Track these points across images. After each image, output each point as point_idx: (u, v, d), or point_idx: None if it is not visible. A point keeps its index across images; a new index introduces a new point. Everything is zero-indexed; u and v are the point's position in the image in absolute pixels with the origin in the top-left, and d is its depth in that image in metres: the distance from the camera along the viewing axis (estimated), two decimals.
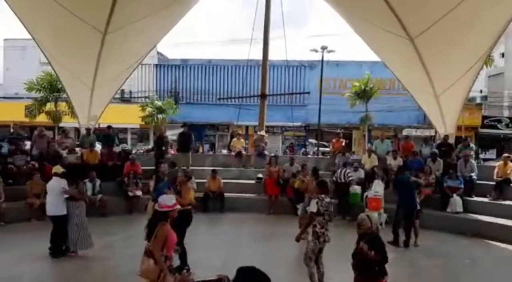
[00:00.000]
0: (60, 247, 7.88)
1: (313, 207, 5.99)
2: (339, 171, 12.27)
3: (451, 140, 13.52)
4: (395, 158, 12.59)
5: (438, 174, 12.00)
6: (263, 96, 17.62)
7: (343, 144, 14.91)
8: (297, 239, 6.24)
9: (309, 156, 19.75)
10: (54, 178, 8.14)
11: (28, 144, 13.77)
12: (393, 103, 25.15)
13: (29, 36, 11.35)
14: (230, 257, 7.94)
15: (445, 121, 13.45)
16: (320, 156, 18.75)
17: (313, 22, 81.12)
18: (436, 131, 15.57)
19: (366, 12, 10.42)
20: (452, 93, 11.89)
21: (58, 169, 8.44)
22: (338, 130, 18.49)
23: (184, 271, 2.44)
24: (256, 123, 19.29)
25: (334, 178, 12.11)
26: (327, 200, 6.17)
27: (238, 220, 11.68)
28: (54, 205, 7.88)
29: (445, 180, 11.63)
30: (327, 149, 19.92)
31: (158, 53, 27.23)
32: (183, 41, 61.30)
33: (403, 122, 26.55)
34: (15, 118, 21.78)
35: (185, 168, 12.81)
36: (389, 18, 9.34)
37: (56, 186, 7.93)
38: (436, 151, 12.78)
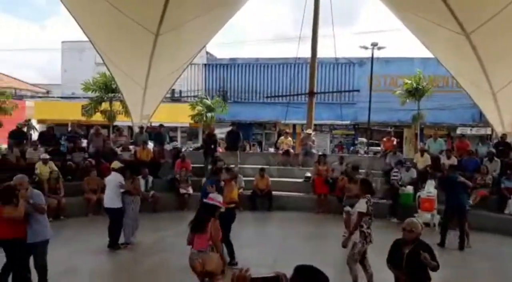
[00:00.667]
0: (116, 240, 8.24)
1: (363, 207, 5.86)
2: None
3: (509, 139, 12.89)
4: (449, 157, 12.15)
5: (495, 175, 11.47)
6: (311, 94, 17.48)
7: (394, 142, 14.56)
8: (344, 245, 6.09)
9: (359, 155, 19.42)
10: (112, 172, 8.54)
11: (84, 142, 14.45)
12: (447, 101, 24.20)
13: (85, 38, 11.87)
14: (279, 255, 7.97)
15: (503, 120, 12.85)
16: (371, 155, 18.36)
17: (362, 18, 79.52)
18: (493, 130, 14.90)
19: (418, 7, 10.10)
20: (511, 90, 11.32)
21: (116, 164, 8.82)
22: (389, 129, 18.04)
23: (241, 267, 2.50)
24: (304, 121, 19.17)
25: (392, 178, 11.86)
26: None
27: (286, 219, 11.67)
28: (110, 198, 8.31)
29: (503, 180, 11.12)
30: (378, 148, 19.49)
31: (207, 53, 27.64)
32: (231, 41, 61.86)
33: (457, 120, 25.49)
34: (73, 117, 22.86)
35: (233, 166, 12.98)
36: (443, 12, 9.01)
37: (113, 180, 8.34)
38: (493, 150, 12.23)
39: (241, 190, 12.40)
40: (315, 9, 16.53)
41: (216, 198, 5.24)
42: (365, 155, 18.77)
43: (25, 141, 13.11)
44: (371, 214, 5.92)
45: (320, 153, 14.75)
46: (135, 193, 8.47)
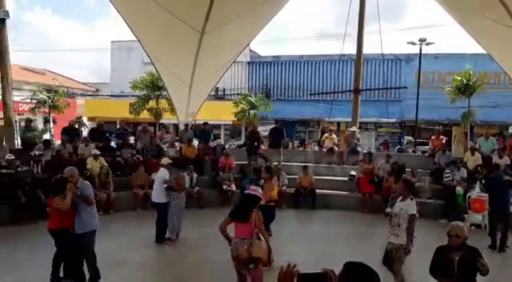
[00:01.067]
0: (163, 235, 8.45)
1: (413, 209, 5.66)
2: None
3: None
4: (501, 157, 11.61)
5: None
6: (356, 91, 17.18)
7: (443, 141, 14.08)
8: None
9: (406, 153, 18.89)
10: (161, 168, 8.77)
11: (132, 139, 14.89)
12: (499, 99, 23.09)
13: (133, 38, 12.20)
14: (322, 254, 7.90)
15: None
16: (419, 154, 17.82)
17: (409, 14, 77.32)
18: None
19: (469, 1, 9.68)
20: None
21: (165, 160, 9.06)
22: (437, 127, 17.44)
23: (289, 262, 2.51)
24: (348, 119, 18.88)
25: (446, 178, 11.48)
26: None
27: (330, 217, 11.55)
28: (157, 193, 8.60)
29: None
30: (426, 147, 18.89)
31: (250, 50, 27.71)
32: (275, 38, 61.79)
33: (509, 118, 24.26)
34: (121, 115, 23.56)
35: (276, 163, 12.99)
36: (495, 6, 8.58)
37: (160, 176, 8.61)
38: None
39: (284, 188, 12.41)
40: (361, 4, 16.22)
41: (257, 190, 5.36)
42: (412, 154, 18.23)
43: (77, 137, 13.64)
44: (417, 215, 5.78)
45: (365, 151, 14.47)
46: (177, 189, 8.62)
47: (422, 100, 22.33)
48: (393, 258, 5.71)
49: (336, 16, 78.07)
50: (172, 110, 16.73)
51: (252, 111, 20.67)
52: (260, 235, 5.35)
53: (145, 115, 20.83)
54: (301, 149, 21.06)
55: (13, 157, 10.85)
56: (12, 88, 14.34)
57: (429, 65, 24.55)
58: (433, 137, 14.66)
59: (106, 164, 11.70)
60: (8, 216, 9.82)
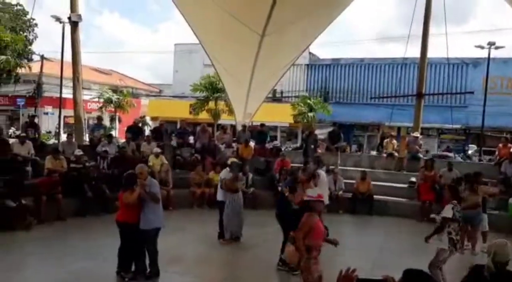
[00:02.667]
0: (223, 232, 8.60)
1: (448, 212, 5.71)
2: None
3: None
4: None
5: None
6: (420, 95, 16.58)
7: (511, 150, 13.25)
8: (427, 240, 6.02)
9: (470, 162, 17.98)
10: (226, 168, 8.95)
11: (191, 138, 15.30)
12: None
13: (195, 41, 12.55)
14: (378, 261, 7.71)
15: None
16: (485, 162, 16.90)
17: (476, 16, 73.62)
18: None
19: None
20: None
21: (232, 160, 9.24)
22: (504, 135, 16.49)
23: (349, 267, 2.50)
24: (409, 124, 18.26)
25: None
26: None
27: (387, 224, 11.24)
28: (219, 191, 8.81)
29: None
30: (490, 156, 17.87)
31: (309, 53, 27.60)
32: (335, 40, 61.04)
33: None
34: (181, 115, 24.32)
35: (333, 167, 12.84)
36: None
37: (221, 176, 8.87)
38: None
39: (341, 192, 12.26)
40: (426, 6, 15.64)
41: (312, 194, 5.27)
42: (477, 162, 17.32)
43: (140, 136, 14.20)
44: (458, 220, 5.75)
45: (426, 158, 13.94)
46: (226, 189, 8.71)
47: (489, 106, 21.20)
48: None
49: (399, 17, 75.90)
50: (230, 111, 17.02)
51: (310, 114, 20.57)
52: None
53: (204, 116, 21.36)
54: (359, 153, 20.70)
55: (81, 153, 11.48)
56: (82, 87, 15.16)
57: (498, 70, 23.30)
58: (500, 145, 13.84)
59: (167, 162, 12.09)
60: (76, 209, 10.41)
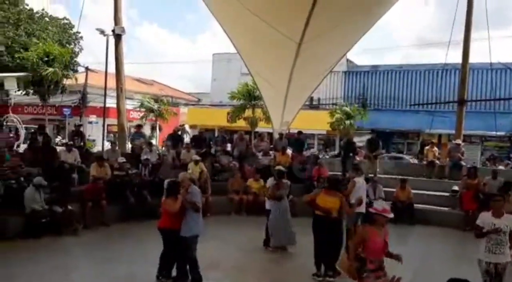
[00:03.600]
0: (268, 239, 8.67)
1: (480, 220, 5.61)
2: None
3: None
4: None
5: None
6: (461, 102, 16.16)
7: None
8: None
9: None
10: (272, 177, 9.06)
11: (229, 146, 15.51)
12: None
13: (232, 50, 12.76)
14: (419, 270, 7.57)
15: None
16: None
17: None
18: None
19: None
20: None
21: (280, 167, 9.33)
22: None
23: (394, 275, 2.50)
24: (451, 131, 17.82)
25: None
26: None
27: (429, 234, 10.97)
28: (266, 200, 8.98)
29: None
30: None
31: (347, 60, 27.42)
32: (373, 47, 60.26)
33: None
34: (219, 123, 24.66)
35: (372, 175, 12.68)
36: None
37: (268, 185, 9.07)
38: None
39: (380, 201, 12.07)
40: (468, 10, 15.28)
41: (375, 206, 5.16)
42: None
43: (180, 144, 14.53)
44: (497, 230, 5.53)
45: (469, 166, 13.54)
46: (269, 196, 8.75)
47: None
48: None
49: (439, 22, 74.07)
50: (267, 119, 17.11)
51: (347, 121, 20.39)
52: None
53: (241, 123, 21.58)
54: (398, 161, 20.31)
55: (124, 160, 11.88)
56: (125, 97, 15.71)
57: None
58: None
59: (205, 169, 12.30)
60: (119, 215, 10.76)
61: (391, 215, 4.96)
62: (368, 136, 15.32)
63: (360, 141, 18.52)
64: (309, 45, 10.70)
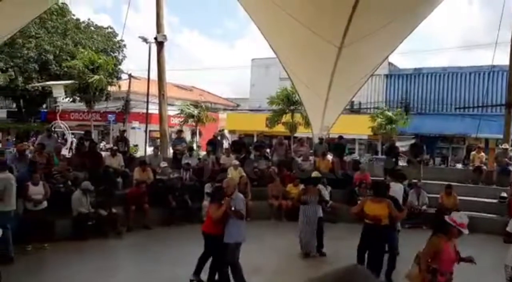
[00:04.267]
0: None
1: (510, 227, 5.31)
2: None
3: None
4: None
5: None
6: (509, 105, 15.49)
7: None
8: None
9: None
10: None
11: (268, 151, 15.50)
12: None
13: (271, 55, 12.78)
14: (466, 280, 7.27)
15: None
16: None
17: None
18: None
19: None
20: None
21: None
22: None
23: None
24: (499, 135, 17.07)
25: None
26: None
27: (475, 241, 10.41)
28: None
29: None
30: None
31: (389, 63, 26.89)
32: (415, 49, 58.90)
33: None
34: (258, 128, 24.70)
35: (416, 181, 12.35)
36: None
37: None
38: None
39: (424, 207, 11.75)
40: None
41: (454, 217, 4.93)
42: None
43: (219, 149, 14.67)
44: None
45: None
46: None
47: None
48: None
49: (484, 24, 71.46)
50: (307, 124, 17.01)
51: (389, 126, 19.96)
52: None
53: (280, 128, 21.54)
54: (443, 166, 19.69)
55: (166, 165, 12.12)
56: (167, 103, 16.04)
57: None
58: None
59: (245, 174, 12.35)
60: (161, 218, 10.96)
61: (467, 232, 4.76)
62: (411, 141, 14.91)
63: (403, 145, 18.08)
64: (350, 49, 10.58)
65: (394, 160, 13.29)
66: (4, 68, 24.62)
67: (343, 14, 9.24)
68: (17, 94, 29.05)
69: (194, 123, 25.89)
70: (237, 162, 12.60)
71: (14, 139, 28.69)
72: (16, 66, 25.81)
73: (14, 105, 33.23)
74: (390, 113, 20.61)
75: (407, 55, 72.18)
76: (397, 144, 15.51)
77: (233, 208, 6.22)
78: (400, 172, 12.71)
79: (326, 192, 12.13)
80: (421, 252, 4.75)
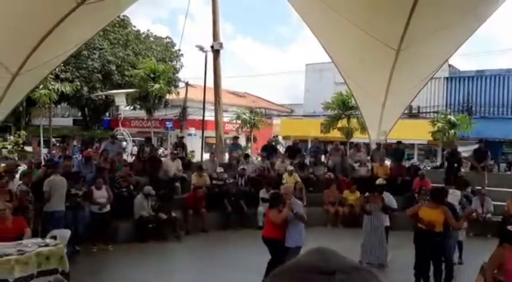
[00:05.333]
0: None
1: None
2: None
3: None
4: None
5: None
6: None
7: None
8: None
9: None
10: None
11: (323, 157, 15.36)
12: None
13: (325, 60, 12.69)
14: None
15: None
16: None
17: None
18: None
19: None
20: None
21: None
22: None
23: None
24: None
25: None
26: None
27: None
28: None
29: None
30: None
31: (449, 65, 25.87)
32: (477, 51, 56.24)
33: None
34: (312, 133, 24.53)
35: (480, 188, 11.78)
36: None
37: None
38: None
39: (489, 215, 11.18)
40: None
41: None
42: None
43: (274, 154, 14.72)
44: None
45: None
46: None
47: None
48: None
49: None
50: (363, 129, 16.69)
51: (451, 131, 19.14)
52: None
53: (335, 134, 21.25)
54: (508, 172, 18.61)
55: (222, 170, 12.33)
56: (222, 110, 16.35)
57: None
58: None
59: (300, 180, 12.30)
60: (217, 222, 11.16)
61: None
62: (474, 146, 14.20)
63: (465, 150, 17.27)
64: (408, 51, 10.31)
65: (456, 165, 12.72)
66: (71, 79, 26.09)
67: (400, 16, 9.04)
68: (82, 103, 30.69)
69: (249, 129, 26.15)
70: (291, 167, 12.58)
71: (79, 146, 30.30)
72: (82, 76, 27.27)
73: (80, 113, 35.13)
74: (452, 117, 19.74)
75: (468, 57, 69.02)
76: (460, 149, 14.82)
77: (294, 211, 6.26)
78: (463, 178, 12.19)
79: (391, 198, 11.70)
80: (486, 264, 4.54)
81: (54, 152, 17.76)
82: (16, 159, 20.65)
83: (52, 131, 25.78)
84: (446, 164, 13.60)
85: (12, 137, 26.54)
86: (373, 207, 8.37)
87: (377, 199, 8.53)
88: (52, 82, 22.58)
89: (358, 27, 9.77)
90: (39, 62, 10.05)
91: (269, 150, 14.85)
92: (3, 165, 10.80)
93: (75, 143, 31.67)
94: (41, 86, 21.22)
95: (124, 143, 23.85)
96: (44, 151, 22.40)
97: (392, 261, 8.52)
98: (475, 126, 21.06)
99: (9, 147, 24.61)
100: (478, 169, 13.01)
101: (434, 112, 24.64)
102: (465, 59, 69.20)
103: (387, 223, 8.45)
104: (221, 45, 15.82)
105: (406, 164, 14.21)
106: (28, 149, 26.31)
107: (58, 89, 23.01)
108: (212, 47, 15.98)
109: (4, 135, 30.66)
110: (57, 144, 23.99)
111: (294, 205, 6.38)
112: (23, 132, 26.21)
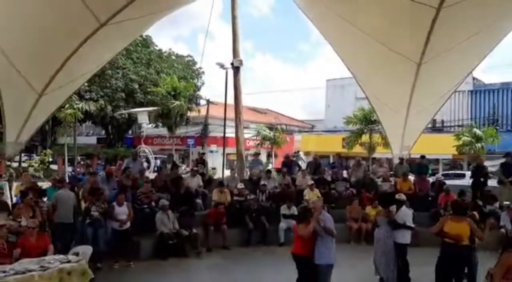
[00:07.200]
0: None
1: None
2: None
3: None
4: None
5: None
6: None
7: None
8: None
9: None
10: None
11: (345, 172, 15.16)
12: None
13: (346, 75, 12.65)
14: None
15: None
16: None
17: None
18: None
19: None
20: None
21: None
22: None
23: None
24: None
25: None
26: None
27: None
28: None
29: None
30: None
31: (473, 78, 25.47)
32: (502, 64, 55.25)
33: None
34: (334, 149, 24.35)
35: (508, 203, 11.41)
36: None
37: None
38: None
39: None
40: None
41: None
42: None
43: (295, 169, 14.61)
44: None
45: None
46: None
47: None
48: None
49: None
50: (386, 144, 16.48)
51: (477, 145, 18.71)
52: None
53: (357, 149, 21.07)
54: None
55: (243, 186, 12.29)
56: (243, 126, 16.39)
57: None
58: None
59: (321, 196, 12.14)
60: (238, 239, 11.08)
61: None
62: (501, 160, 13.80)
63: (492, 165, 16.82)
64: (430, 64, 10.21)
65: (482, 180, 12.38)
66: (95, 98, 26.66)
67: (421, 30, 8.98)
68: (106, 122, 31.29)
69: (269, 146, 26.14)
70: (312, 182, 12.45)
71: (103, 163, 30.79)
72: (106, 95, 27.86)
73: (103, 132, 35.78)
74: (478, 131, 19.31)
75: (492, 70, 67.96)
76: (486, 163, 14.43)
77: (322, 224, 6.10)
78: (490, 193, 11.86)
79: (405, 213, 11.38)
80: (492, 269, 4.55)
81: (78, 169, 18.05)
82: (42, 176, 21.09)
83: (77, 149, 26.30)
84: (472, 178, 13.26)
85: (38, 156, 27.17)
86: (381, 220, 8.21)
87: (384, 212, 8.36)
88: (77, 102, 23.12)
89: (378, 41, 9.74)
90: (64, 82, 10.32)
91: (290, 165, 14.75)
92: (19, 183, 11.08)
93: (99, 161, 32.17)
94: (66, 106, 21.79)
95: (145, 163, 24.13)
96: (68, 168, 22.81)
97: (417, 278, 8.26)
98: (501, 140, 20.57)
99: (35, 165, 25.18)
100: (506, 184, 12.62)
101: (458, 126, 24.21)
102: (488, 72, 68.08)
103: (401, 240, 8.07)
104: (241, 62, 15.95)
105: (431, 178, 13.86)
106: (54, 167, 26.83)
107: (83, 108, 23.52)
108: (232, 64, 16.12)
109: (31, 154, 31.38)
110: (81, 162, 24.40)
111: (324, 219, 6.21)
112: (49, 151, 26.80)
